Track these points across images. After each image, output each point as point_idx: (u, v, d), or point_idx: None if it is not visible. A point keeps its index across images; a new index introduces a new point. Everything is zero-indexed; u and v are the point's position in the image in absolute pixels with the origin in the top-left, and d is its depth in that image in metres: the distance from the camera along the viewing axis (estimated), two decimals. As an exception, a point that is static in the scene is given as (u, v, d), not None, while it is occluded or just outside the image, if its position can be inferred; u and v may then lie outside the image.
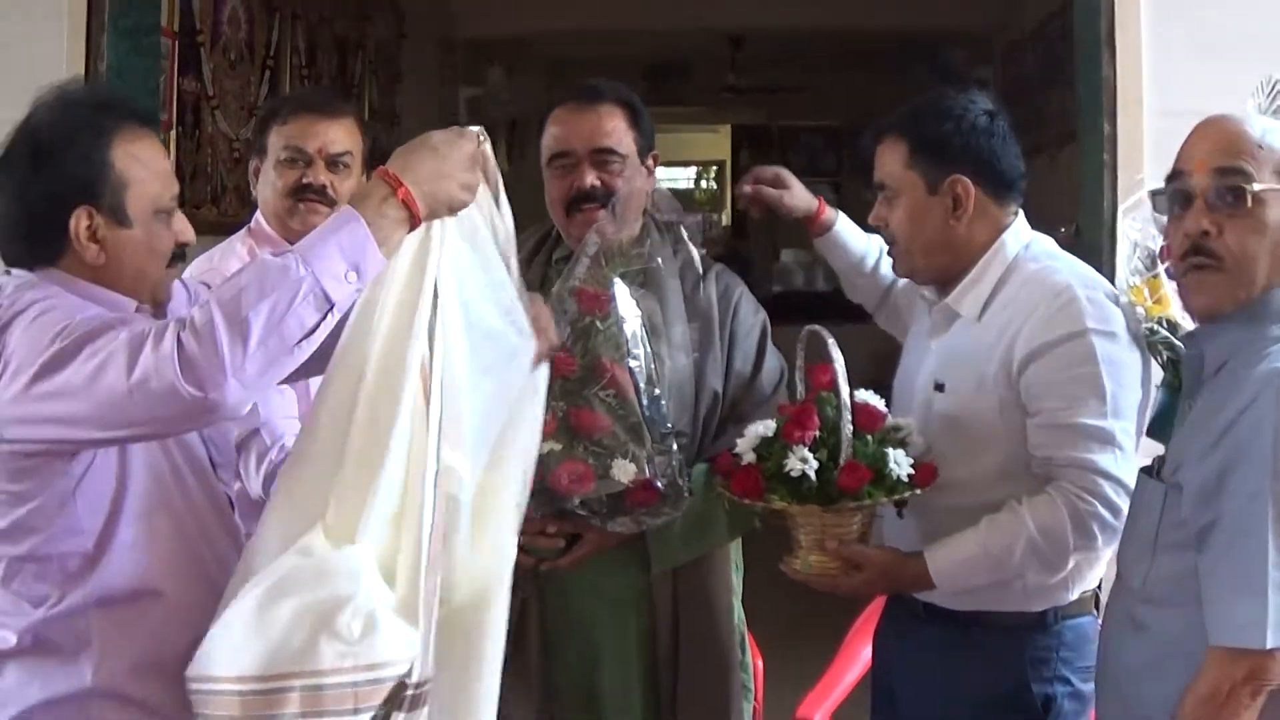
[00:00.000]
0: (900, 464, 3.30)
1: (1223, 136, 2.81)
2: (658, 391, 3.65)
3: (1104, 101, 4.80)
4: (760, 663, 4.35)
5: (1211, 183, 2.77)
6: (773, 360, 3.93)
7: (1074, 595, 3.45)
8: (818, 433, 3.34)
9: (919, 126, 3.56)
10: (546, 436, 3.43)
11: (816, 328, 3.47)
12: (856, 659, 4.70)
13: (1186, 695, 2.61)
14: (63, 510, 2.77)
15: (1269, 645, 2.46)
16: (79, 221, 2.79)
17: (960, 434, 3.50)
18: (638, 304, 3.69)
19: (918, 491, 3.33)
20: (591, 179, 3.78)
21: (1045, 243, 3.62)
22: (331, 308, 2.59)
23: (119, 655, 2.81)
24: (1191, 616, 2.60)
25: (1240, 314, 2.73)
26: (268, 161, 4.21)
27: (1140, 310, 3.54)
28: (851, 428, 3.29)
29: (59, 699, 2.79)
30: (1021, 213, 3.62)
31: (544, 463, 3.42)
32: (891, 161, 3.58)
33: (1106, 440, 3.28)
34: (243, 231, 4.27)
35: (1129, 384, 3.36)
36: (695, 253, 3.97)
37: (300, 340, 2.57)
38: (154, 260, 2.92)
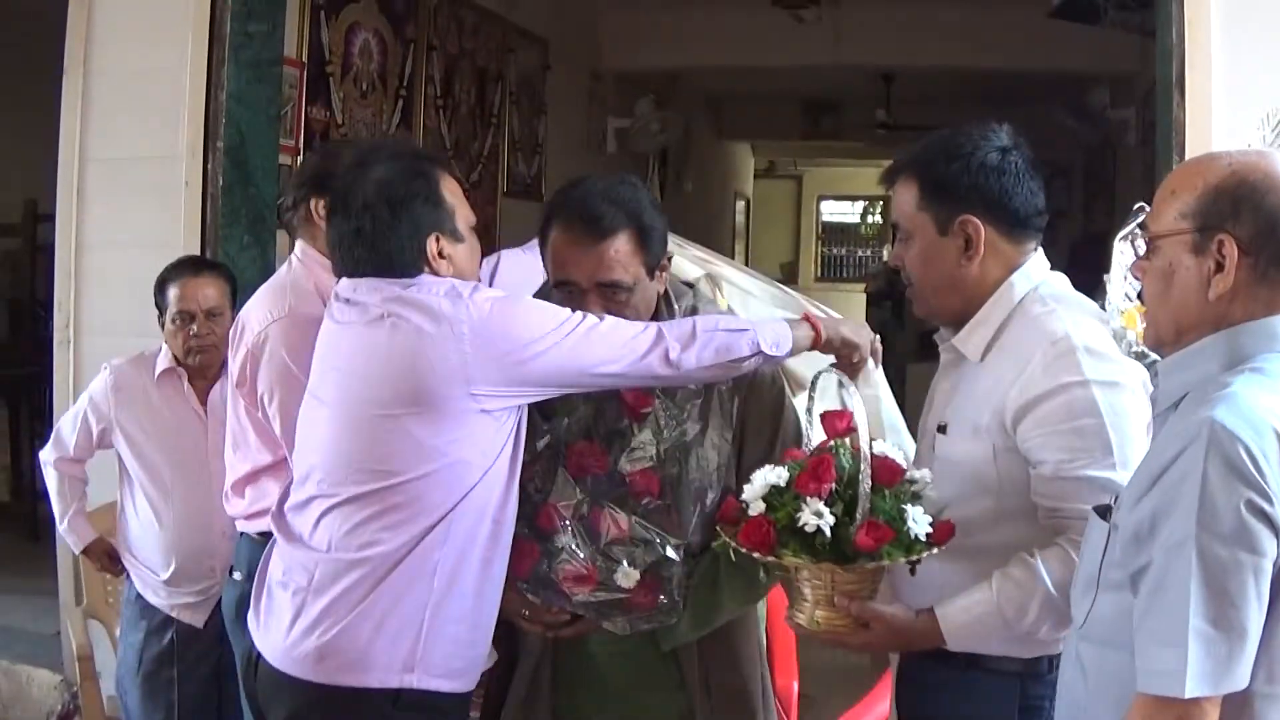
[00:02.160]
0: (919, 522, 3.10)
1: (1164, 183, 2.81)
2: (677, 501, 3.59)
3: (1175, 142, 4.83)
4: (796, 685, 4.38)
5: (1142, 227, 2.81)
6: (785, 435, 3.75)
7: None
8: (833, 485, 3.14)
9: (928, 167, 3.44)
10: (562, 530, 3.57)
11: (834, 371, 3.46)
12: (888, 693, 4.68)
13: None
14: None
15: (1188, 695, 2.43)
16: (433, 246, 3.47)
17: (959, 477, 3.40)
18: (673, 416, 3.65)
19: (934, 550, 3.17)
20: (597, 311, 3.52)
21: (1058, 283, 3.49)
22: (757, 354, 3.52)
23: None
24: (1126, 658, 2.58)
25: (1197, 352, 2.71)
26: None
27: (1131, 334, 3.51)
28: (870, 482, 3.10)
29: None
30: (1040, 251, 3.50)
31: (555, 556, 3.56)
32: (904, 203, 3.48)
33: (1114, 491, 3.08)
34: (297, 269, 4.36)
35: (1134, 434, 3.22)
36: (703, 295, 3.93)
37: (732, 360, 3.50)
38: (475, 263, 3.67)
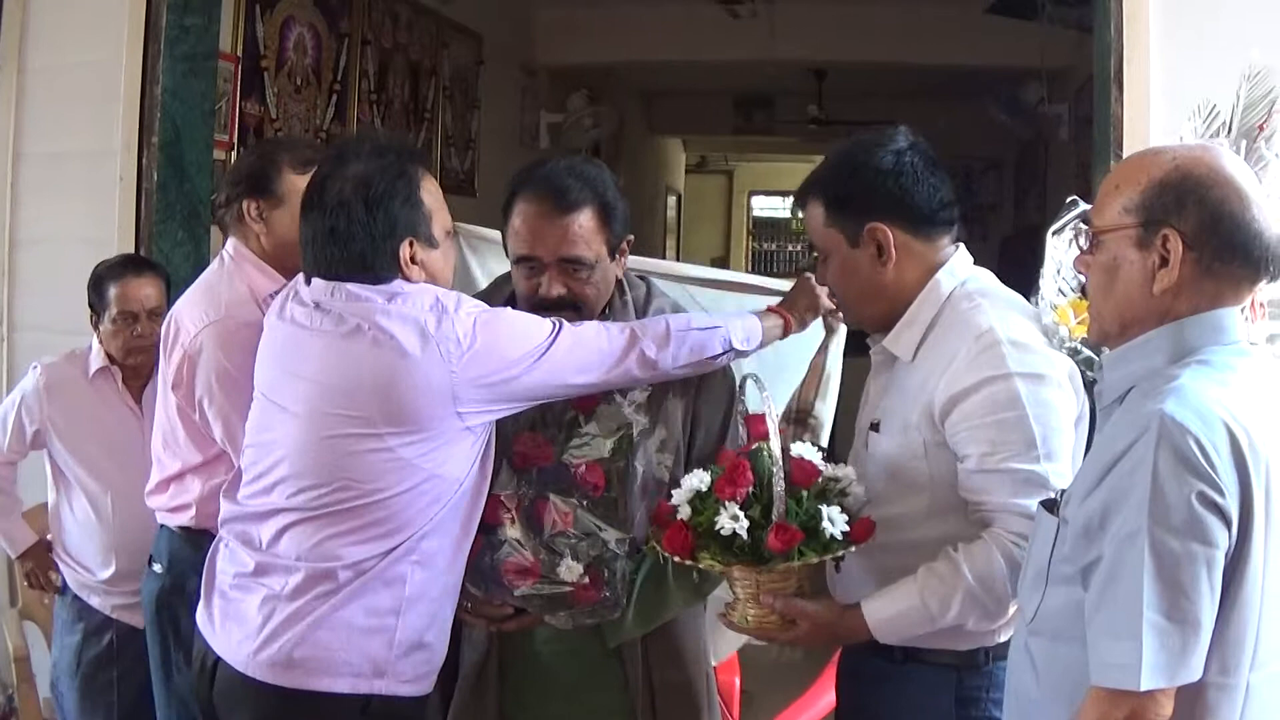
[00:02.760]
0: (835, 522, 3.20)
1: (1107, 177, 2.84)
2: (625, 496, 3.63)
3: (1113, 138, 4.85)
4: (739, 681, 4.39)
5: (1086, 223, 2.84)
6: (734, 433, 3.80)
7: (1003, 638, 3.36)
8: (751, 489, 3.25)
9: (828, 184, 3.52)
10: (508, 523, 3.56)
11: (753, 374, 3.49)
12: (830, 687, 4.69)
13: None
14: None
15: (1143, 688, 2.45)
16: (405, 251, 3.43)
17: (892, 474, 3.46)
18: (621, 410, 3.68)
19: (853, 549, 3.25)
20: (559, 289, 3.62)
21: (985, 278, 3.55)
22: (729, 351, 3.70)
23: None
24: (1077, 652, 2.59)
25: (1142, 345, 2.73)
26: None
27: (1064, 329, 3.51)
28: (784, 485, 3.21)
29: None
30: (962, 247, 3.56)
31: (499, 549, 3.55)
32: (814, 223, 3.55)
33: (1039, 484, 3.19)
34: (229, 267, 4.32)
35: (1059, 426, 3.27)
36: (666, 309, 3.89)
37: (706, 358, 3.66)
38: (450, 269, 3.64)
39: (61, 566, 5.08)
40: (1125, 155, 4.64)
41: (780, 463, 3.23)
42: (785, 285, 4.15)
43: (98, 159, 5.78)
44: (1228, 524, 2.48)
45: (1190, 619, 2.46)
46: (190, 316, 4.18)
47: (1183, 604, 2.46)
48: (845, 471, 3.36)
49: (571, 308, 3.65)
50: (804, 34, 12.17)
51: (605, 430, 3.65)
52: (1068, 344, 3.51)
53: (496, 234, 3.92)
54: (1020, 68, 12.00)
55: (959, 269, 3.51)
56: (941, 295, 3.45)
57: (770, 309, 3.89)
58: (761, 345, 3.80)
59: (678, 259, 21.37)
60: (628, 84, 15.83)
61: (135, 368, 5.03)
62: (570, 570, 3.54)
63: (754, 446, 3.38)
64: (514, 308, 3.76)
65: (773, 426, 3.28)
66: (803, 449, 3.37)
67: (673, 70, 14.91)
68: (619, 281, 3.82)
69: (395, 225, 3.40)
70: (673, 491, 3.40)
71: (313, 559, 3.35)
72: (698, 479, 3.34)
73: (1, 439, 5.10)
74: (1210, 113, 4.24)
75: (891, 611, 3.31)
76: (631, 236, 3.81)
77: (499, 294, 3.92)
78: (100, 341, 5.01)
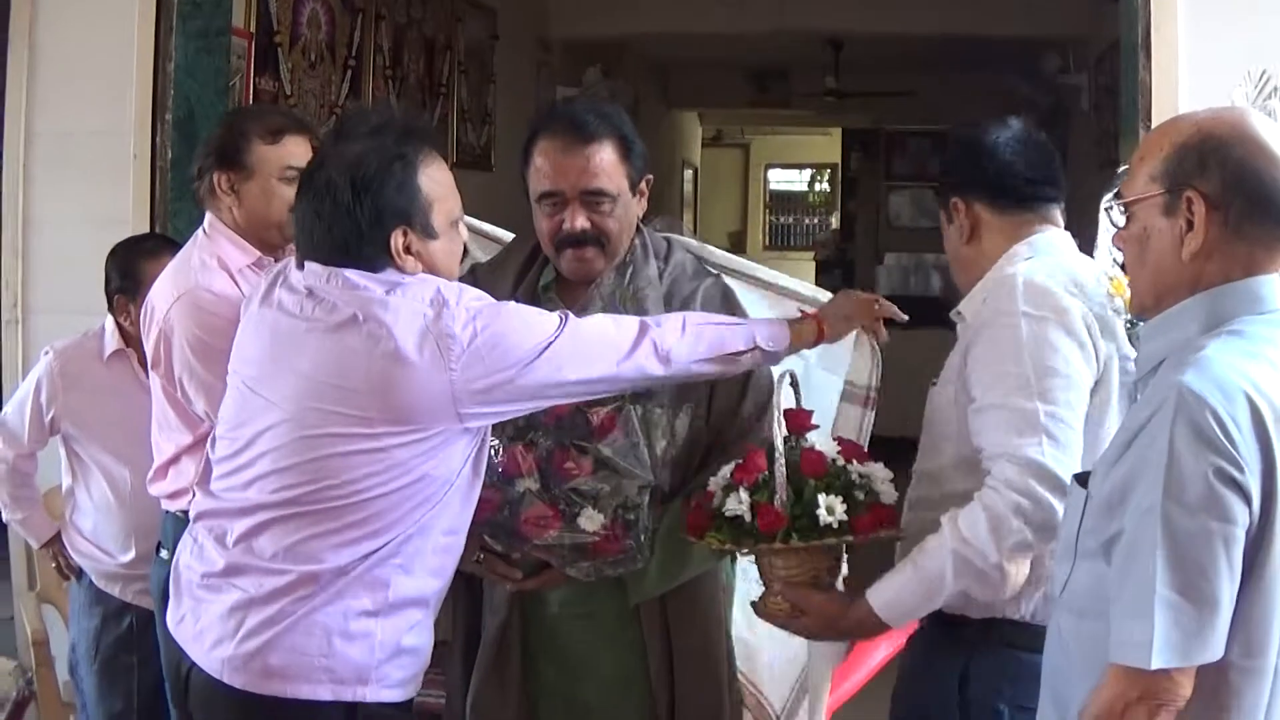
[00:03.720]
0: (833, 511, 3.24)
1: (1137, 149, 2.81)
2: (644, 442, 3.61)
3: (1140, 106, 4.80)
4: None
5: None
6: (757, 384, 3.83)
7: (1021, 614, 3.37)
8: (761, 475, 3.32)
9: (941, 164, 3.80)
10: (526, 474, 3.50)
11: (790, 371, 3.51)
12: (879, 645, 4.69)
13: (1084, 711, 2.57)
14: None
15: (1153, 666, 2.41)
16: (398, 240, 3.23)
17: (931, 427, 3.56)
18: None
19: (849, 539, 3.29)
20: (582, 221, 3.65)
21: (1049, 242, 3.55)
22: (753, 349, 3.53)
23: None
24: (1102, 628, 2.54)
25: (1175, 315, 2.68)
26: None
27: (1119, 301, 3.48)
28: (785, 472, 3.27)
29: None
30: (1055, 229, 3.59)
31: (518, 502, 3.49)
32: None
33: (1031, 424, 3.19)
34: (202, 241, 4.23)
35: (1060, 369, 3.26)
36: (688, 267, 3.92)
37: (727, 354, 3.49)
38: (454, 261, 3.43)
39: (75, 554, 5.02)
40: (1154, 124, 4.61)
41: (781, 452, 3.27)
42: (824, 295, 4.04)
43: (111, 137, 5.73)
44: (1248, 501, 2.42)
45: (1207, 597, 2.41)
46: (162, 294, 4.12)
47: (1198, 582, 2.41)
48: (874, 469, 3.39)
49: (595, 243, 3.70)
50: (819, 4, 12.19)
51: None
52: (1124, 315, 3.47)
53: (507, 234, 4.05)
54: (1039, 37, 11.97)
55: (1040, 243, 3.53)
56: (1005, 269, 3.49)
57: (805, 314, 3.76)
58: (791, 350, 3.65)
59: (695, 233, 21.29)
60: (643, 57, 15.79)
61: None
62: (591, 519, 3.50)
63: (793, 440, 3.41)
64: (530, 266, 3.91)
65: (780, 417, 3.34)
66: (817, 440, 3.45)
67: (687, 43, 14.88)
68: (640, 231, 3.86)
69: (383, 212, 3.21)
70: (710, 479, 3.46)
71: (291, 560, 3.19)
72: (729, 468, 3.40)
73: (21, 430, 5.01)
74: (1261, 78, 4.20)
75: (891, 592, 3.32)
76: (651, 176, 3.84)
77: (512, 261, 3.96)
78: (119, 322, 4.93)
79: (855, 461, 3.40)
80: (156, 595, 4.33)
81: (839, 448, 3.42)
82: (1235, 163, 2.59)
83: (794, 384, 3.48)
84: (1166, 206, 2.64)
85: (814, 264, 20.85)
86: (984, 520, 3.16)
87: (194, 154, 5.41)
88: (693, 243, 4.10)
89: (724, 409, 3.73)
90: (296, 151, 4.11)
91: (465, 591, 3.82)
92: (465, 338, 3.14)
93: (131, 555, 4.85)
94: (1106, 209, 2.83)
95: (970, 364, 3.37)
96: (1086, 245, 3.69)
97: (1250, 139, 2.62)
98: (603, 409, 3.58)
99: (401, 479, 3.17)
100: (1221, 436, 2.41)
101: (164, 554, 4.31)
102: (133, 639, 4.87)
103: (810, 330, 3.67)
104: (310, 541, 3.18)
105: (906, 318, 3.83)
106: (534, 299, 3.81)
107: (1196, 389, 2.44)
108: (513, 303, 3.38)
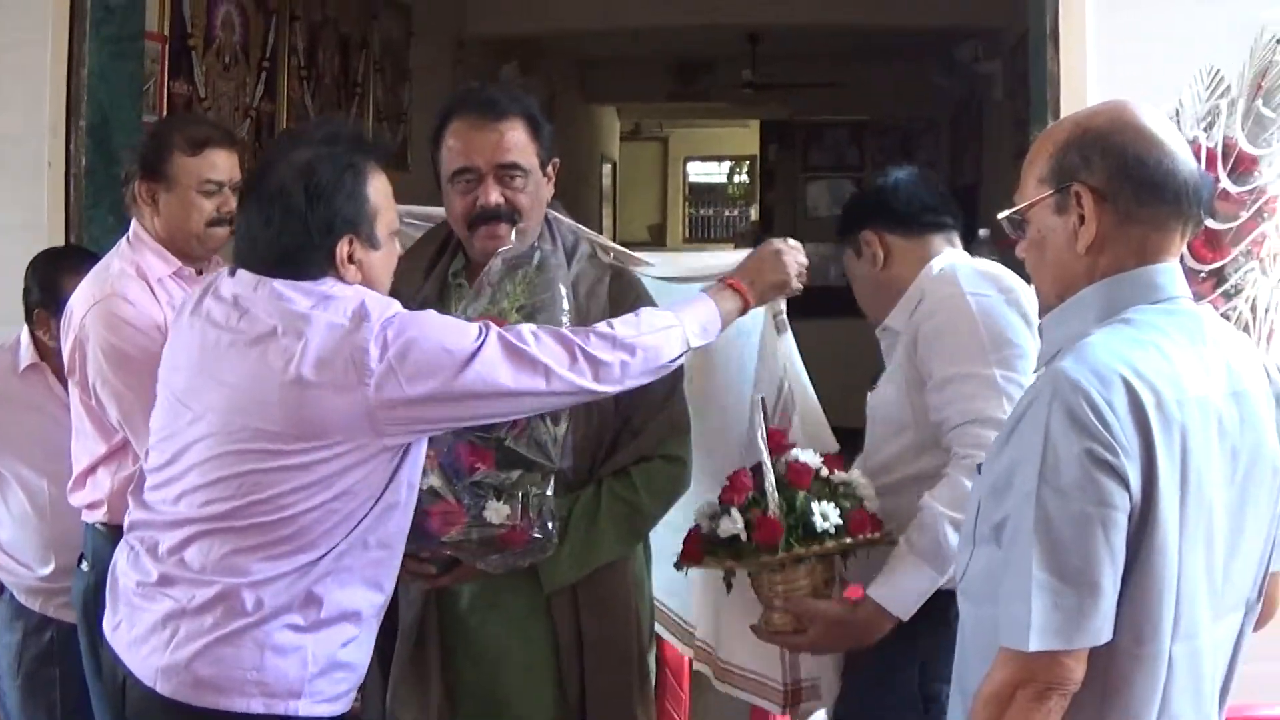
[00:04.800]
0: (827, 516, 3.40)
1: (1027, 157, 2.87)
2: (545, 428, 3.58)
3: (1049, 96, 4.82)
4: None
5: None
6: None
7: None
8: (750, 493, 3.46)
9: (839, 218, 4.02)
10: (429, 471, 3.49)
11: (760, 396, 3.69)
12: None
13: (976, 694, 2.60)
14: None
15: (1031, 648, 2.44)
16: (343, 249, 3.24)
17: (881, 420, 3.75)
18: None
19: (848, 541, 3.42)
20: (496, 196, 3.71)
21: (977, 263, 3.81)
22: (686, 350, 3.48)
23: None
24: (994, 612, 2.58)
25: (1072, 306, 2.72)
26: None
27: None
28: (774, 485, 3.41)
29: None
30: (957, 249, 3.87)
31: (421, 500, 3.47)
32: (843, 255, 3.97)
33: (990, 386, 3.41)
34: (124, 249, 4.24)
35: (1014, 340, 3.49)
36: (596, 254, 4.01)
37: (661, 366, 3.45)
38: (389, 273, 3.44)
39: None
40: (1062, 114, 4.65)
41: (769, 466, 3.42)
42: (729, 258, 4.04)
43: (24, 144, 5.66)
44: (1125, 485, 2.46)
45: (1086, 580, 2.44)
46: (80, 300, 4.11)
47: (1076, 564, 2.44)
48: (854, 475, 3.57)
49: (508, 219, 3.73)
50: (735, -2, 12.17)
51: None
52: None
53: (439, 210, 4.00)
54: (955, 26, 12.03)
55: (951, 256, 3.81)
56: (932, 274, 3.75)
57: (726, 283, 3.68)
58: (721, 330, 3.62)
59: (615, 228, 21.43)
60: (560, 53, 15.79)
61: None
62: (496, 511, 3.48)
63: (777, 459, 3.54)
64: (440, 255, 3.97)
65: (762, 435, 3.48)
66: (801, 454, 3.56)
67: (605, 38, 14.90)
68: (547, 219, 3.93)
69: (334, 219, 3.21)
70: (695, 510, 3.65)
71: (220, 573, 3.17)
72: (711, 498, 3.58)
73: None
74: (1212, 79, 4.28)
75: (898, 584, 3.47)
76: (557, 160, 3.93)
77: (422, 252, 4.00)
78: (37, 336, 4.87)
79: (836, 471, 3.54)
80: (79, 607, 4.32)
81: (821, 459, 3.55)
82: (1117, 151, 2.64)
83: (764, 404, 3.61)
84: (1057, 205, 2.70)
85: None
86: (964, 484, 3.30)
87: (108, 160, 5.43)
88: (593, 235, 4.15)
89: (632, 392, 3.69)
90: (218, 164, 4.13)
91: None
92: (381, 353, 3.10)
93: (51, 568, 4.80)
94: (1000, 221, 2.88)
95: (922, 348, 3.58)
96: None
97: (1129, 126, 2.68)
98: None
99: (325, 494, 3.15)
100: (1095, 421, 2.45)
101: (83, 566, 4.31)
102: (55, 653, 4.83)
103: (735, 303, 3.64)
104: (239, 555, 3.16)
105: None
106: (444, 287, 3.90)
107: (1072, 375, 2.49)
108: (434, 314, 3.32)
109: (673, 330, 3.45)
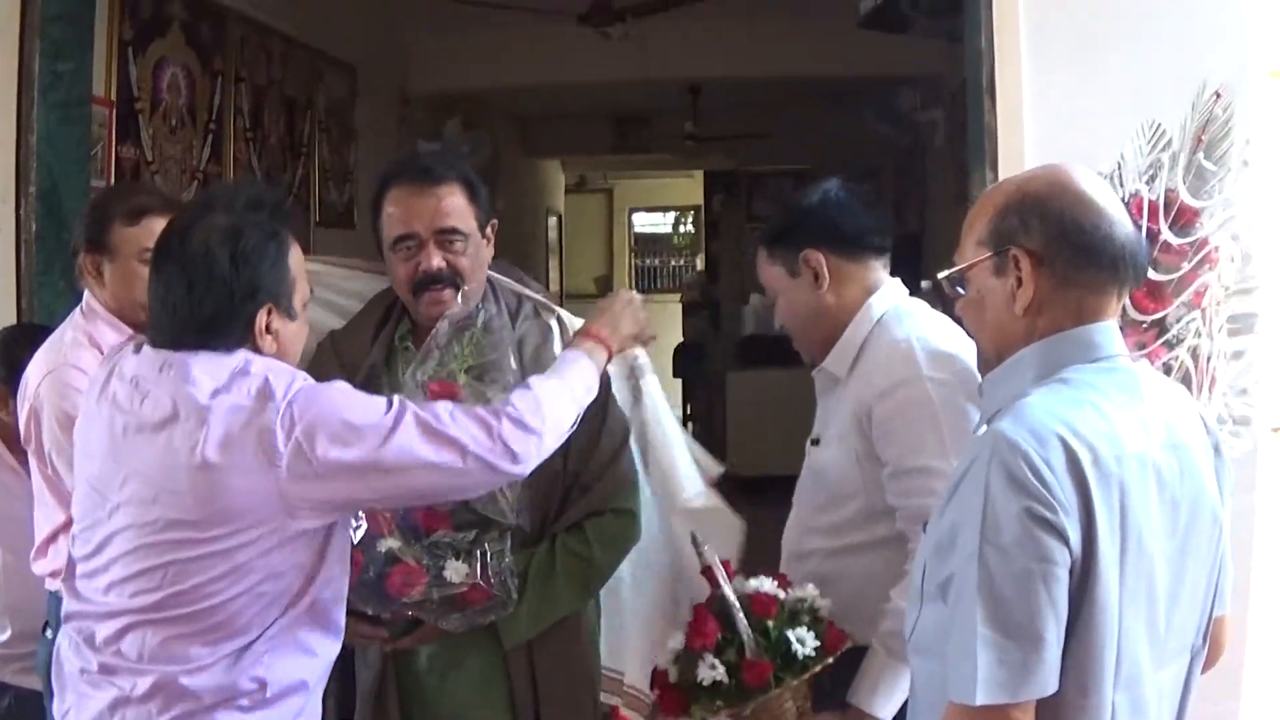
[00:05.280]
0: (805, 643, 3.37)
1: (965, 221, 2.91)
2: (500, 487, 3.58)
3: (986, 149, 4.84)
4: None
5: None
6: (613, 422, 3.95)
7: None
8: (720, 635, 3.40)
9: (766, 230, 3.89)
10: (387, 533, 3.52)
11: (694, 534, 3.61)
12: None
13: None
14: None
15: (978, 702, 2.47)
16: (262, 319, 3.16)
17: (828, 484, 3.71)
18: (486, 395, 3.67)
19: (829, 660, 3.40)
20: (438, 260, 3.76)
21: (915, 304, 3.79)
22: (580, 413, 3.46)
23: None
24: (943, 668, 2.61)
25: (1011, 366, 2.78)
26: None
27: None
28: (748, 622, 3.38)
29: None
30: (896, 279, 3.83)
31: (382, 562, 3.50)
32: (762, 268, 3.87)
33: (947, 480, 3.27)
34: (77, 319, 4.25)
35: (967, 428, 3.42)
36: (540, 313, 4.05)
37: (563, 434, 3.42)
38: (301, 345, 3.37)
39: None
40: (1000, 167, 4.72)
41: (737, 605, 3.38)
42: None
43: (-26, 210, 5.70)
44: (1064, 541, 2.50)
45: (1029, 634, 2.49)
46: (34, 371, 4.13)
47: (1020, 619, 2.49)
48: (808, 590, 3.51)
49: (451, 283, 3.78)
50: (677, 52, 12.23)
51: None
52: None
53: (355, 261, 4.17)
54: (892, 76, 12.13)
55: (890, 294, 3.76)
56: (873, 317, 3.71)
57: (591, 334, 3.68)
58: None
59: (561, 279, 21.48)
60: (503, 109, 15.88)
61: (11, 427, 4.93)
62: (456, 570, 3.51)
63: (714, 596, 3.49)
64: (386, 321, 3.99)
65: (722, 573, 3.44)
66: (758, 583, 3.51)
67: (547, 93, 14.96)
68: (490, 280, 3.98)
69: (258, 288, 3.14)
70: (658, 657, 3.58)
71: (157, 661, 3.06)
72: (675, 640, 3.50)
73: None
74: (1155, 130, 4.34)
75: (880, 689, 3.50)
76: (495, 222, 3.97)
77: (368, 319, 4.04)
78: None
79: (787, 589, 3.53)
80: (43, 674, 4.31)
81: (774, 581, 3.53)
82: (1055, 217, 2.70)
83: (700, 542, 3.58)
84: (996, 267, 2.75)
85: (680, 306, 20.99)
86: None
87: (58, 226, 5.44)
88: (534, 294, 4.17)
89: (581, 449, 3.78)
90: (158, 233, 4.12)
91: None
92: (289, 433, 3.02)
93: (8, 634, 4.81)
94: (940, 283, 2.93)
95: (877, 428, 3.54)
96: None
97: (1068, 191, 2.74)
98: None
99: (250, 579, 3.06)
100: (1034, 479, 2.50)
101: (48, 633, 4.30)
102: (13, 717, 4.84)
103: (603, 355, 3.66)
104: (174, 644, 3.07)
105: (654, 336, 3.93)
106: (391, 351, 3.93)
107: (1010, 436, 2.54)
108: (345, 389, 3.21)
109: (566, 397, 3.44)
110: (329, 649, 3.27)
